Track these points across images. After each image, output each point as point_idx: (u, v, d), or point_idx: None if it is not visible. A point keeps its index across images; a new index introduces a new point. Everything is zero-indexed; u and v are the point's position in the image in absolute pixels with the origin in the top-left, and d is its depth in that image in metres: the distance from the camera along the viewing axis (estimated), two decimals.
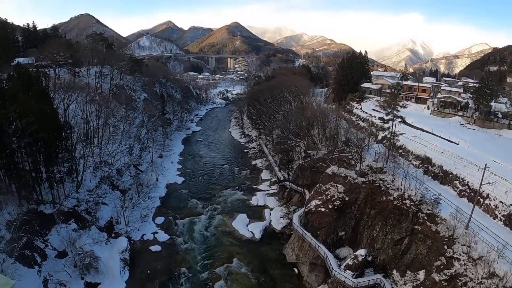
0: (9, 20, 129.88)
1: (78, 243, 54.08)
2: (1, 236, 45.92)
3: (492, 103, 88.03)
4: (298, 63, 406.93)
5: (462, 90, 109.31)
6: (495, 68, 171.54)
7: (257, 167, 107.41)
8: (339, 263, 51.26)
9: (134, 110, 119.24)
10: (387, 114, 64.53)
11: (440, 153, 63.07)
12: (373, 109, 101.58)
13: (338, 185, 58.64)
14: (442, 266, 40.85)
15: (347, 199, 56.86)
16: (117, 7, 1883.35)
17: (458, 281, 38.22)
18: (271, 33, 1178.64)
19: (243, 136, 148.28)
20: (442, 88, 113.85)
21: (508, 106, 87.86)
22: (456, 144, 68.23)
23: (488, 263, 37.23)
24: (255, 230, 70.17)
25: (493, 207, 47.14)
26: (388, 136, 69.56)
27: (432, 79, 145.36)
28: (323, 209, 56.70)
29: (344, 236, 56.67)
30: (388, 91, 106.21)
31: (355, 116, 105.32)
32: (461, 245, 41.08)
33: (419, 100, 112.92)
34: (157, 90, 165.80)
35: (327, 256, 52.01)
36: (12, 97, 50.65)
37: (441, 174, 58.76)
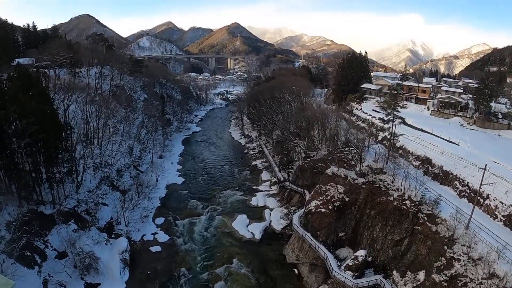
0: (9, 21, 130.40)
1: (78, 244, 54.11)
2: (1, 236, 45.95)
3: (492, 104, 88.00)
4: (298, 64, 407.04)
5: (462, 91, 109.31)
6: (495, 69, 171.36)
7: (257, 168, 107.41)
8: (339, 264, 51.24)
9: (134, 111, 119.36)
10: (387, 115, 64.43)
11: (440, 153, 63.05)
12: (373, 110, 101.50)
13: (338, 185, 58.64)
14: (442, 267, 40.83)
15: (347, 199, 56.84)
16: (117, 7, 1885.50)
17: (458, 281, 38.20)
18: (271, 33, 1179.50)
19: (243, 136, 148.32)
20: (442, 88, 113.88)
21: (508, 106, 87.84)
22: (456, 144, 68.21)
23: (488, 264, 37.21)
24: (255, 230, 70.16)
25: (493, 207, 47.11)
26: (388, 136, 69.52)
27: (432, 80, 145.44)
28: (323, 210, 56.69)
29: (344, 236, 56.65)
30: (388, 91, 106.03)
31: (355, 117, 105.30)
32: (461, 245, 41.06)
33: (419, 101, 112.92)
34: (157, 91, 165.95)
35: (327, 256, 51.99)
36: (12, 97, 50.72)
37: (441, 174, 58.73)
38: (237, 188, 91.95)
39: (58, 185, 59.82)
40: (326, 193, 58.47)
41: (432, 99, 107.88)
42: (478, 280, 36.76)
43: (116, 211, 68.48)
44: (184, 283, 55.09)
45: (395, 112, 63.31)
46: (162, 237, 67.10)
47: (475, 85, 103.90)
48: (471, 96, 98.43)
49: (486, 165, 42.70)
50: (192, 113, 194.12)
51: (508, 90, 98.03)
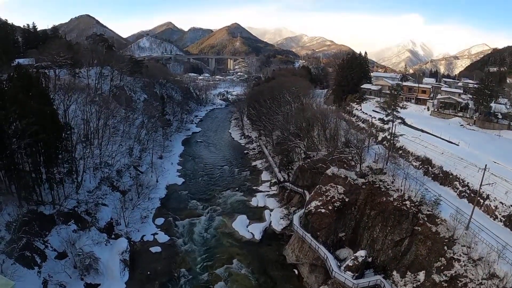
0: (9, 21, 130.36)
1: (78, 244, 54.11)
2: (1, 237, 45.92)
3: (492, 104, 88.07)
4: (298, 64, 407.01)
5: (462, 91, 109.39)
6: (495, 69, 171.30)
7: (257, 168, 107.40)
8: (339, 264, 51.21)
9: (134, 111, 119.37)
10: (387, 115, 64.46)
11: (440, 154, 63.03)
12: (373, 110, 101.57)
13: (338, 186, 58.61)
14: (442, 267, 40.79)
15: (347, 200, 56.83)
16: (117, 8, 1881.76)
17: (458, 282, 38.17)
18: (271, 34, 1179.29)
19: (243, 137, 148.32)
20: (442, 89, 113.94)
21: (508, 107, 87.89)
22: (456, 145, 68.24)
23: (488, 264, 37.18)
24: (255, 231, 70.13)
25: (493, 208, 47.10)
26: (388, 137, 69.53)
27: (432, 80, 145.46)
28: (323, 210, 56.66)
29: (344, 237, 56.63)
30: (388, 92, 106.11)
31: (355, 117, 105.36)
32: (461, 246, 41.03)
33: (419, 101, 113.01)
34: (157, 91, 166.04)
35: (327, 257, 51.95)
36: (12, 98, 50.75)
37: (441, 175, 58.73)
38: (237, 188, 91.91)
39: (58, 185, 59.83)
40: (326, 194, 58.44)
41: (432, 99, 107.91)
42: (478, 280, 36.72)
43: (116, 212, 68.46)
44: (184, 283, 55.04)
45: (395, 113, 63.35)
46: (162, 237, 67.04)
47: (475, 85, 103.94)
48: (471, 96, 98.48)
49: (486, 165, 42.68)
50: (192, 113, 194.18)
51: (508, 91, 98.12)
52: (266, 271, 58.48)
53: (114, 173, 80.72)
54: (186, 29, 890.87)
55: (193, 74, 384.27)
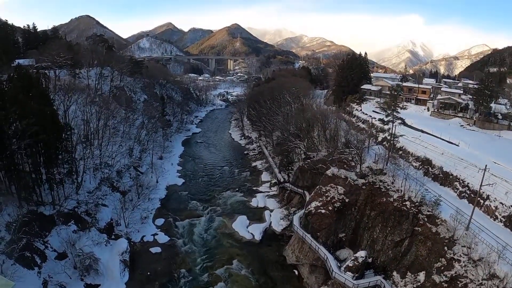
0: (10, 22, 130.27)
1: (78, 245, 54.08)
2: (1, 237, 45.89)
3: (492, 104, 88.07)
4: (298, 65, 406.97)
5: (462, 92, 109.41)
6: (495, 69, 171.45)
7: (257, 169, 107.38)
8: (339, 265, 51.21)
9: (134, 112, 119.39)
10: (387, 116, 64.46)
11: (440, 154, 62.98)
12: (373, 111, 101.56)
13: (338, 186, 58.61)
14: (442, 268, 40.78)
15: (347, 200, 56.83)
16: (117, 9, 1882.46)
17: (458, 282, 38.16)
18: (271, 34, 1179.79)
19: (243, 137, 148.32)
20: (442, 89, 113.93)
21: (508, 107, 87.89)
22: (456, 145, 68.22)
23: (489, 265, 37.15)
24: (255, 231, 70.10)
25: (493, 208, 47.07)
26: (388, 137, 69.50)
27: (432, 81, 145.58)
28: (323, 211, 56.65)
29: (344, 237, 56.60)
30: (388, 92, 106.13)
31: (355, 118, 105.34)
32: (462, 246, 41.02)
33: (419, 102, 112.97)
34: (157, 92, 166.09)
35: (327, 257, 51.95)
36: (12, 98, 50.79)
37: (441, 175, 58.70)
38: (237, 189, 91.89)
39: (58, 186, 59.86)
40: (326, 194, 58.43)
41: (432, 100, 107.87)
42: (479, 281, 36.71)
43: (116, 212, 68.44)
44: (184, 284, 55.02)
45: (395, 113, 63.37)
46: (162, 238, 67.01)
47: (475, 86, 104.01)
48: (471, 97, 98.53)
49: (486, 166, 42.69)
50: (192, 114, 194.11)
51: (508, 91, 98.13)
52: (266, 271, 58.45)
53: (114, 174, 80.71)
54: (186, 29, 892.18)
55: (193, 74, 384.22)
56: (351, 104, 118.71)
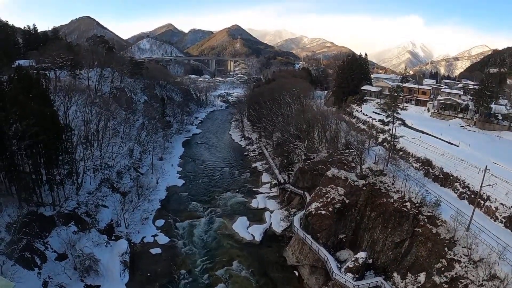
0: (10, 23, 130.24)
1: (78, 246, 54.03)
2: (1, 238, 45.83)
3: (492, 105, 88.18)
4: (298, 66, 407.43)
5: (462, 92, 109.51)
6: (495, 70, 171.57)
7: (257, 170, 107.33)
8: (339, 266, 51.13)
9: (135, 113, 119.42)
10: (387, 117, 64.45)
11: (440, 155, 62.95)
12: (373, 112, 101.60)
13: (338, 187, 58.58)
14: (442, 269, 40.73)
15: (347, 201, 56.77)
16: (117, 10, 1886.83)
17: (459, 283, 38.11)
18: (271, 35, 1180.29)
19: (243, 138, 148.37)
20: (442, 90, 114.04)
21: (508, 108, 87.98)
22: (457, 146, 68.20)
23: (489, 265, 37.12)
24: (256, 232, 70.03)
25: (494, 209, 47.02)
26: (389, 138, 69.50)
27: (432, 81, 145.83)
28: (323, 212, 56.59)
29: (344, 238, 56.53)
30: (388, 93, 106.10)
31: (356, 119, 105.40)
32: (462, 247, 40.99)
33: (419, 103, 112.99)
34: (158, 93, 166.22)
35: (327, 258, 51.89)
36: (12, 99, 50.79)
37: (441, 176, 58.67)
38: (237, 190, 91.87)
39: (58, 187, 59.80)
40: (327, 195, 58.39)
41: (432, 100, 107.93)
42: (479, 281, 36.67)
43: (116, 213, 68.37)
44: (184, 285, 54.95)
45: (395, 114, 63.37)
46: (162, 239, 66.94)
47: (475, 86, 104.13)
48: (471, 97, 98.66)
49: (486, 166, 42.67)
50: (192, 115, 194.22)
51: (508, 92, 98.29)
52: (267, 272, 58.36)
53: (114, 175, 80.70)
54: (186, 30, 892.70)
55: (193, 75, 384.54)
56: (351, 105, 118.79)
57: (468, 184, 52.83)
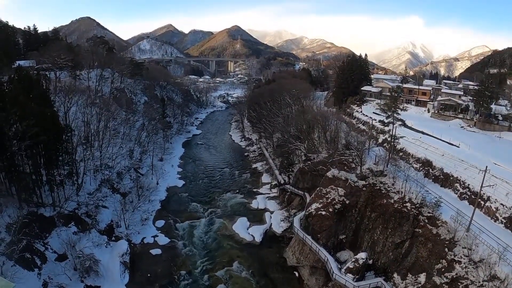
0: (10, 23, 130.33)
1: (78, 246, 54.04)
2: (1, 238, 45.84)
3: (493, 106, 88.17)
4: (298, 67, 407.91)
5: (462, 93, 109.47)
6: (495, 71, 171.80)
7: (258, 171, 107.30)
8: (339, 267, 51.11)
9: (135, 113, 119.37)
10: (387, 117, 64.46)
11: (440, 155, 62.99)
12: (373, 112, 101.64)
13: (338, 188, 58.56)
14: (443, 269, 40.70)
15: (347, 202, 56.75)
16: (118, 10, 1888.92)
17: (459, 284, 38.06)
18: (271, 36, 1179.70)
19: (243, 139, 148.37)
20: (442, 90, 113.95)
21: (508, 108, 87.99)
22: (457, 146, 68.19)
23: (489, 266, 37.11)
24: (256, 233, 69.99)
25: (494, 209, 47.02)
26: (389, 139, 69.49)
27: (432, 82, 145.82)
28: (323, 213, 56.57)
29: (344, 239, 56.51)
30: (389, 94, 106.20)
31: (356, 119, 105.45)
32: (462, 247, 40.97)
33: (419, 103, 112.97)
34: (158, 94, 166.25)
35: (327, 259, 51.88)
36: (12, 99, 50.79)
37: (441, 177, 58.66)
38: (237, 191, 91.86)
39: (58, 187, 59.77)
40: (327, 196, 58.37)
41: (432, 101, 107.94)
42: (479, 282, 36.64)
43: (116, 214, 68.34)
44: (184, 286, 54.93)
45: (395, 115, 63.37)
46: (163, 240, 66.90)
47: (475, 87, 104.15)
48: (471, 98, 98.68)
49: (486, 167, 42.65)
50: (192, 116, 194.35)
51: (508, 92, 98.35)
52: (267, 273, 58.31)
53: (114, 175, 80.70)
54: (186, 31, 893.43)
55: (193, 76, 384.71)
56: (351, 105, 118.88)
57: (469, 184, 52.84)
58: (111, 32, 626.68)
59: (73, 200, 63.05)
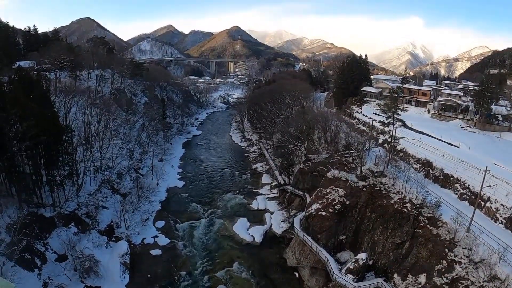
0: (10, 24, 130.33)
1: (78, 247, 54.04)
2: (1, 239, 45.86)
3: (493, 106, 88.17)
4: (298, 67, 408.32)
5: (462, 93, 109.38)
6: (495, 71, 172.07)
7: (258, 171, 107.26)
8: (340, 267, 51.08)
9: (135, 114, 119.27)
10: (387, 118, 64.47)
11: (440, 156, 63.00)
12: (373, 113, 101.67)
13: (338, 189, 58.53)
14: (443, 270, 40.68)
15: (347, 203, 56.72)
16: (118, 11, 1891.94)
17: (459, 284, 38.05)
18: (271, 37, 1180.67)
19: (243, 140, 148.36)
20: (442, 91, 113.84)
21: (508, 108, 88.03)
22: (457, 147, 68.21)
23: (490, 266, 37.08)
24: (256, 234, 69.96)
25: (494, 210, 47.02)
26: (389, 139, 69.52)
27: (432, 82, 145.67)
28: (323, 213, 56.55)
29: (345, 240, 56.49)
30: (389, 94, 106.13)
31: (356, 120, 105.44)
32: (462, 248, 40.95)
33: (419, 104, 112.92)
34: (158, 94, 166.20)
35: (328, 260, 51.85)
36: (13, 100, 50.80)
37: (441, 177, 58.65)
38: (237, 191, 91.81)
39: (59, 188, 59.79)
40: (327, 196, 58.35)
41: (432, 101, 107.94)
42: (480, 283, 36.61)
43: (116, 214, 68.32)
44: (184, 287, 54.92)
45: (395, 115, 63.39)
46: (163, 240, 66.88)
47: (476, 87, 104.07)
48: (471, 98, 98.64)
49: (487, 167, 42.62)
50: (192, 116, 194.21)
51: (509, 93, 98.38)
52: (267, 274, 58.26)
53: (114, 176, 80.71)
54: (186, 32, 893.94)
55: (193, 77, 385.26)
56: (351, 106, 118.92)
57: (469, 185, 52.83)
58: (111, 33, 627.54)
59: (73, 201, 63.05)
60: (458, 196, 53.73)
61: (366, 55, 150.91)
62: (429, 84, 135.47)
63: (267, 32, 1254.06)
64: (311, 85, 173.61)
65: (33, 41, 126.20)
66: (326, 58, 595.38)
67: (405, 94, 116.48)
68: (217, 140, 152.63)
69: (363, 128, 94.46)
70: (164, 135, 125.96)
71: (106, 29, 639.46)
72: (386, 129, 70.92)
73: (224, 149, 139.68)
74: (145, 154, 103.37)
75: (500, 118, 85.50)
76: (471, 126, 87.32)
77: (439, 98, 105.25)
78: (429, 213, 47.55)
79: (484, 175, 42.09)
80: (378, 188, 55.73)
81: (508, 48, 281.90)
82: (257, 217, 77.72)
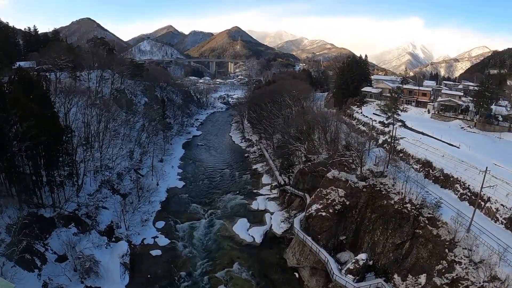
0: (11, 24, 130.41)
1: (78, 247, 54.02)
2: (1, 239, 45.85)
3: (493, 106, 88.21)
4: (298, 68, 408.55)
5: (462, 94, 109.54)
6: (495, 71, 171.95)
7: (258, 172, 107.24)
8: (340, 268, 51.02)
9: (135, 114, 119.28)
10: (387, 118, 64.41)
11: (440, 156, 62.99)
12: (373, 113, 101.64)
13: (338, 189, 58.50)
14: (443, 270, 40.66)
15: (347, 203, 56.69)
16: (118, 11, 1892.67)
17: (459, 284, 38.02)
18: (271, 37, 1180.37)
19: (243, 140, 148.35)
20: (442, 91, 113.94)
21: (508, 109, 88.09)
22: (457, 147, 68.21)
23: (490, 267, 37.06)
24: (256, 234, 69.94)
25: (494, 210, 47.01)
26: (389, 140, 69.50)
27: (432, 83, 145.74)
28: (323, 214, 56.52)
29: (345, 240, 56.47)
30: (389, 95, 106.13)
31: (356, 120, 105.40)
32: (463, 248, 40.92)
33: (419, 104, 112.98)
34: (158, 95, 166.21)
35: (328, 260, 51.81)
36: (13, 100, 50.81)
37: (442, 177, 58.64)
38: (237, 192, 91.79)
39: (59, 188, 59.79)
40: (327, 197, 58.32)
41: (432, 102, 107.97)
42: (480, 283, 36.58)
43: (116, 215, 68.31)
44: (184, 287, 54.89)
45: (395, 115, 63.33)
46: (163, 240, 66.85)
47: (476, 87, 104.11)
48: (471, 99, 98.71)
49: (487, 167, 42.61)
50: (192, 117, 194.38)
51: (509, 93, 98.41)
52: (267, 274, 58.22)
53: (114, 176, 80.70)
54: (186, 32, 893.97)
55: (193, 77, 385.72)
56: (351, 106, 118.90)
57: (469, 185, 52.82)
58: (111, 33, 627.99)
59: (73, 201, 63.04)
60: (458, 197, 53.71)
61: (366, 56, 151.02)
62: (429, 84, 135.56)
63: (267, 32, 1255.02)
64: (311, 86, 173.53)
65: (33, 41, 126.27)
66: (326, 59, 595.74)
67: (405, 94, 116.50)
68: (217, 141, 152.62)
69: (363, 128, 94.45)
70: (164, 135, 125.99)
71: (106, 30, 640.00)
72: (386, 129, 70.88)
73: (224, 149, 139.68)
74: (145, 154, 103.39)
75: (500, 119, 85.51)
76: (471, 127, 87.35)
77: (439, 99, 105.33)
78: (429, 213, 47.53)
79: (484, 176, 42.08)
80: (378, 188, 55.72)
81: (508, 49, 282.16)
82: (257, 218, 77.69)
